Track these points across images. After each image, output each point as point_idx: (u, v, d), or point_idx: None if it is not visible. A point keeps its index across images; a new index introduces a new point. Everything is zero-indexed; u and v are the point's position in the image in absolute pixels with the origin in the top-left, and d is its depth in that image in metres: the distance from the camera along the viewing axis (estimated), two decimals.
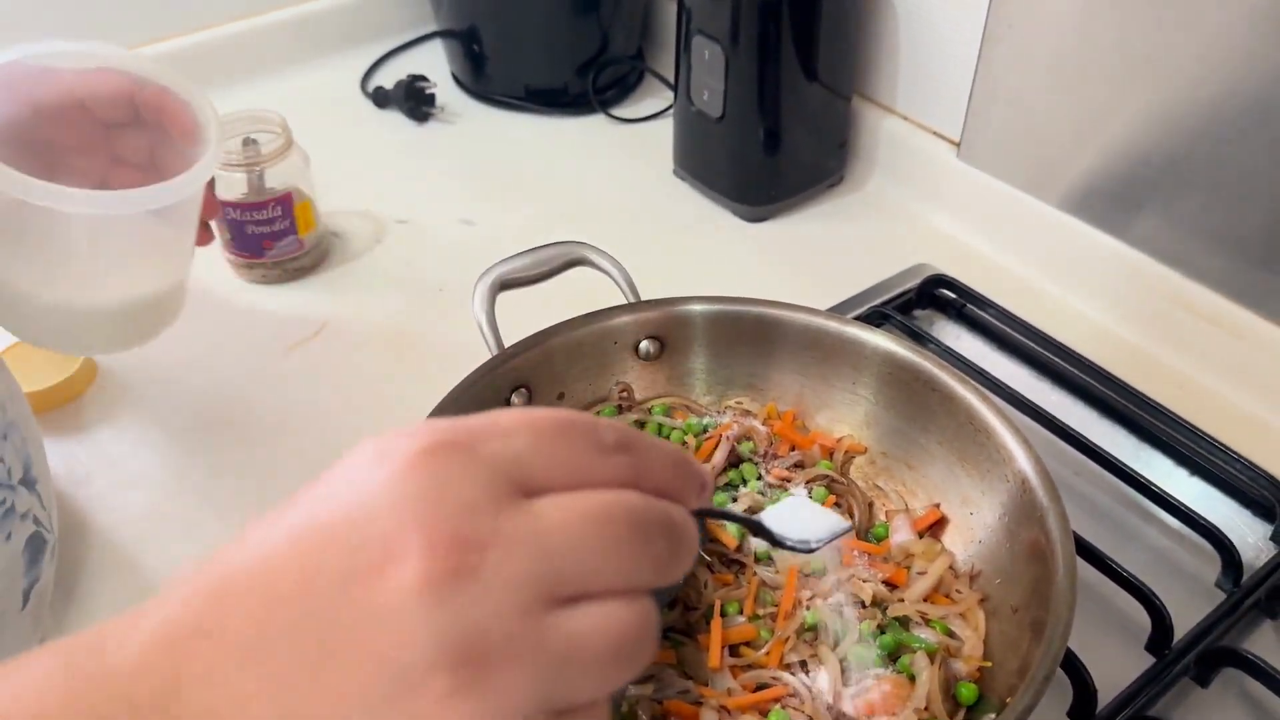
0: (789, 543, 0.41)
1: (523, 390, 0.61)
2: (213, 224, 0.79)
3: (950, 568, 0.55)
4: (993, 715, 0.45)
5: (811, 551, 0.41)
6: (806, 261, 0.91)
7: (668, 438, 0.63)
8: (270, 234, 0.84)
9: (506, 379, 0.60)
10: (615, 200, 0.99)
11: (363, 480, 0.27)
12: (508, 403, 0.60)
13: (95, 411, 0.75)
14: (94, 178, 0.61)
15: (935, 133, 0.94)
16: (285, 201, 0.83)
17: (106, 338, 0.64)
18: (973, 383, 0.57)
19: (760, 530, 0.41)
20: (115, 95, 0.60)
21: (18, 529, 0.54)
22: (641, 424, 0.63)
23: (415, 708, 0.24)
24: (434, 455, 0.27)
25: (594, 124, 1.10)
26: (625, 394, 0.64)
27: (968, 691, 0.49)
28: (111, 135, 0.62)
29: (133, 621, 0.27)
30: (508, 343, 0.61)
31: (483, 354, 0.61)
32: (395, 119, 1.10)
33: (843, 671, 0.50)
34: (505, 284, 0.62)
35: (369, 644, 0.25)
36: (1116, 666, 0.57)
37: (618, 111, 1.10)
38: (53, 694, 0.26)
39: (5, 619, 0.54)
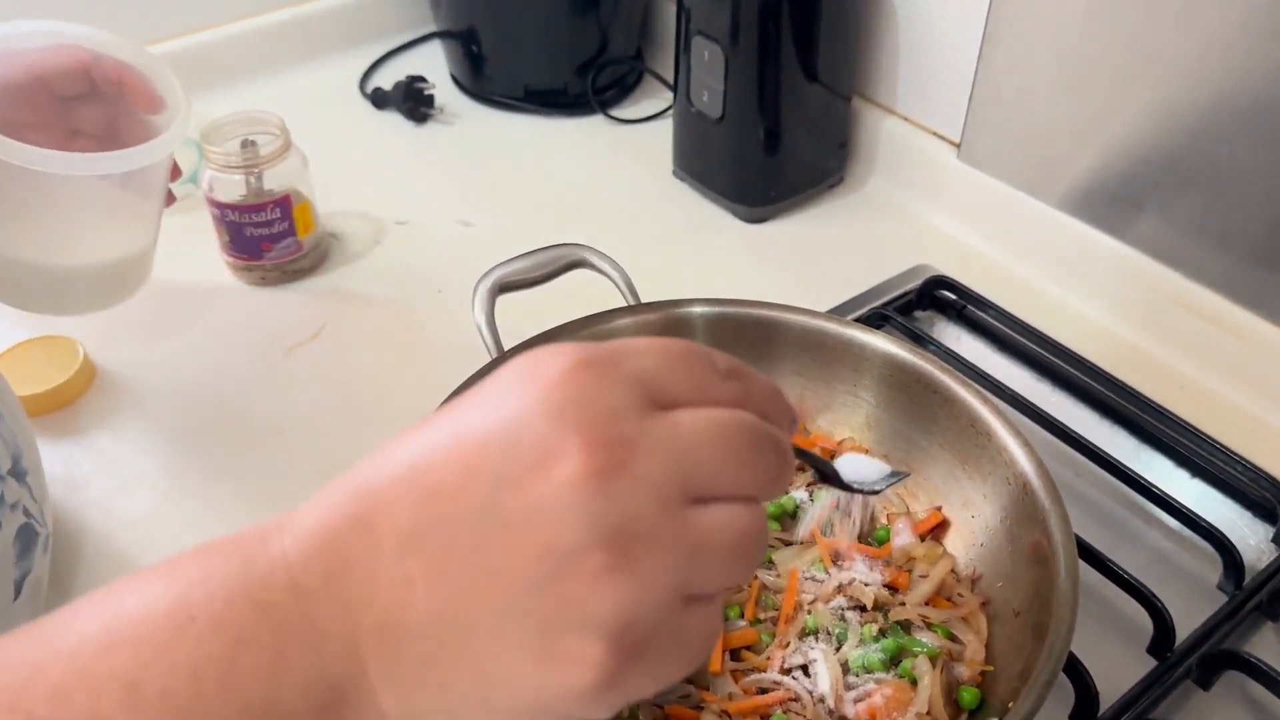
0: (856, 485, 0.46)
1: None
2: (211, 224, 0.85)
3: (951, 571, 0.55)
4: (995, 719, 0.45)
5: (876, 493, 0.47)
6: (806, 262, 0.91)
7: None
8: (269, 236, 0.84)
9: None
10: (614, 201, 0.98)
11: (515, 393, 0.29)
12: None
13: (94, 414, 0.75)
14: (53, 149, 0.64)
15: (935, 133, 0.93)
16: (284, 203, 0.83)
17: (75, 299, 0.69)
18: (974, 385, 0.57)
19: (830, 473, 0.45)
20: (72, 68, 0.63)
21: (8, 519, 0.55)
22: None
23: (571, 588, 0.27)
24: (582, 370, 0.29)
25: (593, 125, 1.09)
26: None
27: (969, 695, 0.49)
28: (68, 108, 0.64)
29: (288, 520, 0.30)
30: (507, 345, 0.61)
31: (482, 355, 0.61)
32: (394, 120, 1.10)
33: (844, 675, 0.50)
34: (505, 286, 0.62)
35: (529, 532, 0.27)
36: (1118, 669, 0.57)
37: (617, 112, 1.10)
38: (222, 582, 0.29)
39: None
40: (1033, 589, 0.49)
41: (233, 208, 0.82)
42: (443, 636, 0.28)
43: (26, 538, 0.56)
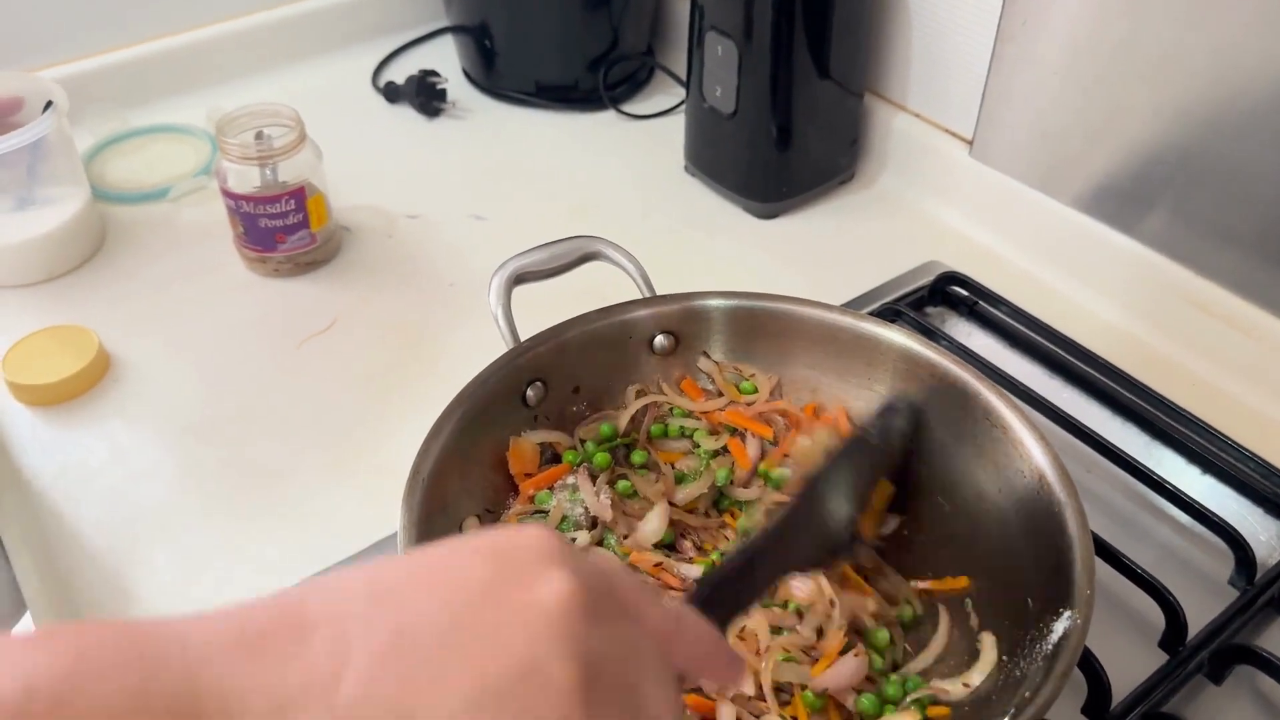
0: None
1: (538, 383, 0.61)
2: (225, 217, 0.86)
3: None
4: (1012, 712, 0.45)
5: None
6: (818, 258, 0.91)
7: (690, 436, 0.63)
8: (283, 228, 0.84)
9: (523, 372, 0.60)
10: (626, 197, 0.99)
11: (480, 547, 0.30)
12: (524, 395, 0.60)
13: (108, 403, 0.76)
14: None
15: (948, 130, 0.93)
16: (298, 195, 0.83)
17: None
18: (989, 380, 0.57)
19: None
20: None
21: None
22: (664, 425, 0.64)
23: (533, 701, 0.27)
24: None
25: (605, 120, 1.10)
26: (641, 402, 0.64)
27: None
28: None
29: (212, 621, 0.28)
30: (523, 335, 0.61)
31: (494, 349, 0.61)
32: (406, 114, 1.10)
33: None
34: (520, 277, 0.62)
35: (504, 636, 0.27)
36: (1130, 663, 0.57)
37: (628, 108, 1.10)
38: (128, 679, 0.25)
39: None
40: (1045, 579, 0.49)
41: (247, 199, 0.83)
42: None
43: None
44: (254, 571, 0.64)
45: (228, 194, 0.83)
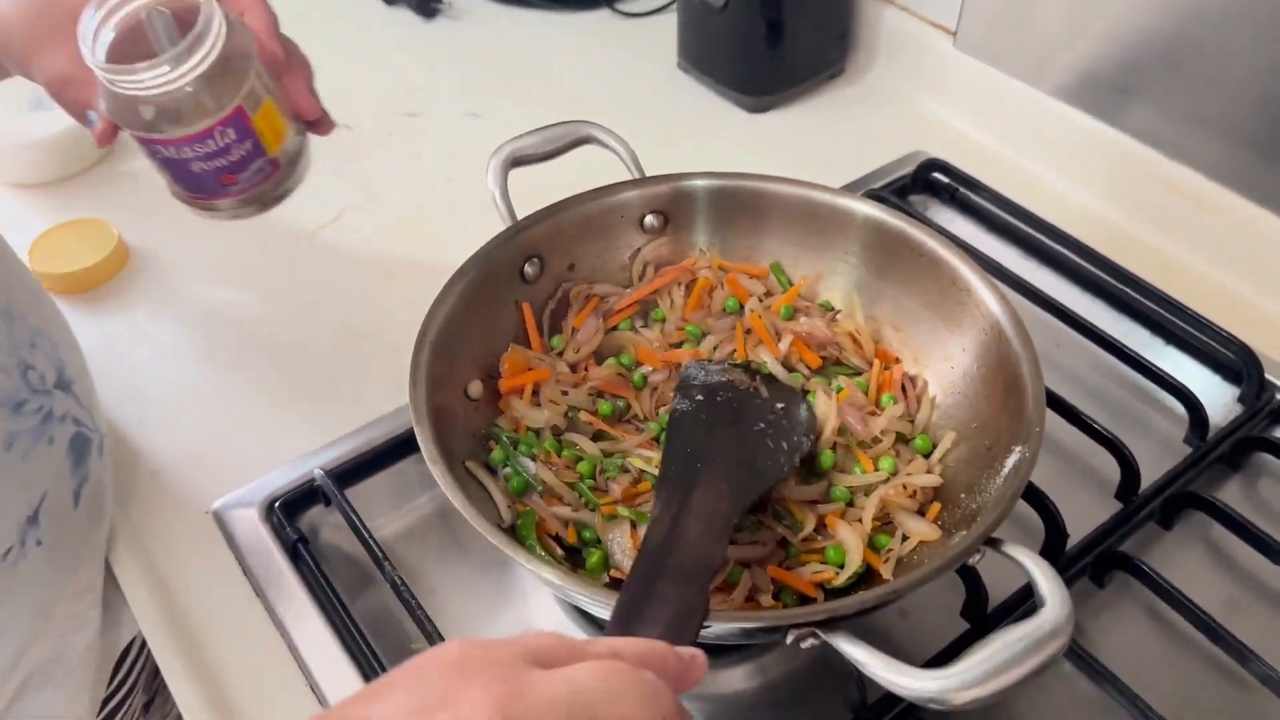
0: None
1: (535, 260, 0.64)
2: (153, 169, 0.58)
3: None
4: (964, 532, 0.49)
5: None
6: (807, 150, 0.94)
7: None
8: (227, 166, 0.55)
9: (520, 249, 0.63)
10: (621, 93, 1.01)
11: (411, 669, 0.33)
12: (521, 272, 0.64)
13: (130, 292, 0.80)
14: None
15: (933, 23, 0.95)
16: (238, 119, 0.53)
17: None
18: (956, 247, 0.60)
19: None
20: None
21: (59, 432, 0.57)
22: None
23: None
24: (471, 647, 0.33)
25: (599, 19, 1.11)
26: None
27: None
28: None
29: None
30: (520, 214, 0.64)
31: (494, 227, 0.64)
32: (404, 15, 1.12)
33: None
34: (517, 160, 0.65)
35: None
36: (1087, 512, 0.62)
37: (622, 6, 1.12)
38: None
39: (60, 520, 0.58)
40: (1006, 425, 0.54)
41: (164, 142, 0.54)
42: None
43: (80, 447, 0.59)
44: (273, 436, 0.68)
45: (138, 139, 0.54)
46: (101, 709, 0.68)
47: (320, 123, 0.60)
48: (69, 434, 0.58)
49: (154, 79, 0.49)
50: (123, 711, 0.71)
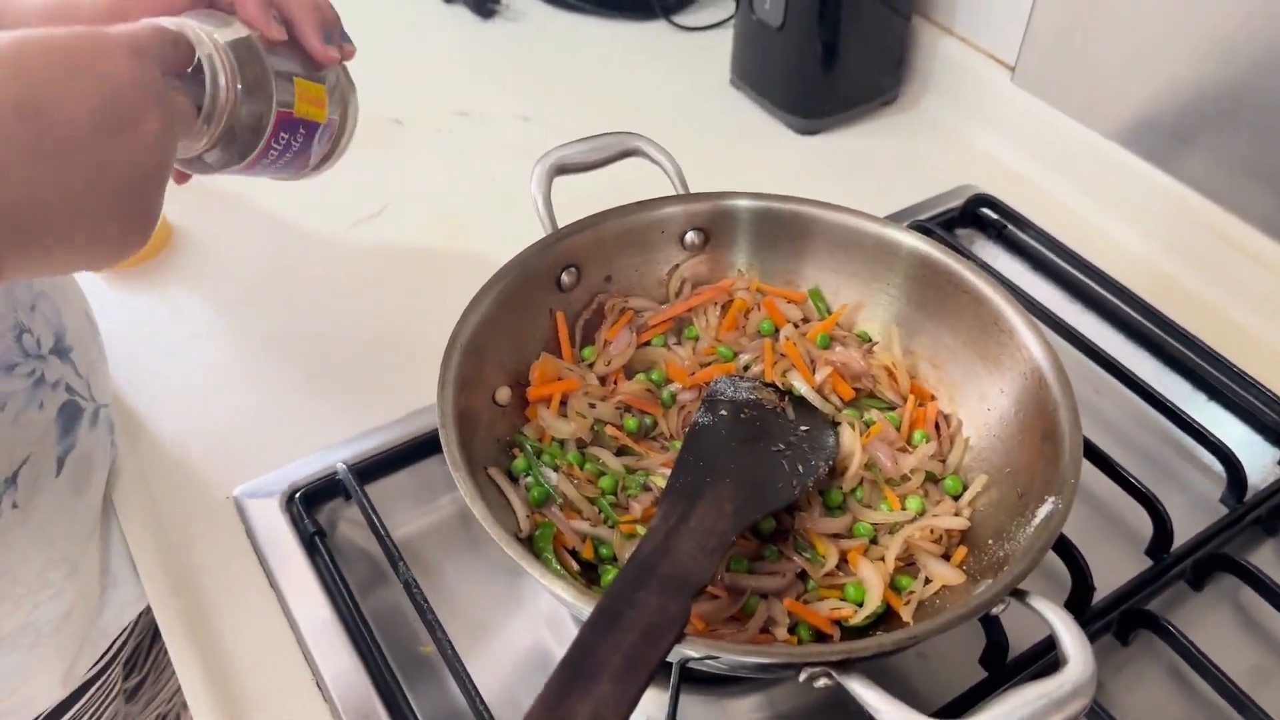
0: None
1: (572, 269, 0.64)
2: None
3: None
4: (990, 580, 0.48)
5: None
6: (855, 175, 0.93)
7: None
8: (298, 152, 0.54)
9: (559, 257, 0.63)
10: (672, 106, 1.01)
11: None
12: (558, 280, 0.64)
13: (170, 270, 0.80)
14: None
15: (991, 56, 0.94)
16: (289, 123, 0.52)
17: None
18: (1000, 286, 0.59)
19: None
20: None
21: (49, 399, 0.57)
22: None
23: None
24: None
25: (655, 30, 1.11)
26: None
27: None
28: None
29: None
30: (561, 223, 0.64)
31: (536, 233, 0.64)
32: (461, 14, 1.12)
33: None
34: (562, 168, 0.65)
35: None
36: (1116, 567, 0.60)
37: (680, 19, 1.12)
38: None
39: (39, 485, 0.57)
40: (1038, 474, 0.52)
41: (234, 172, 0.54)
42: None
43: (69, 415, 0.58)
44: (299, 426, 0.68)
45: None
46: (81, 686, 0.66)
47: (342, 54, 0.55)
48: (60, 401, 0.58)
49: (192, 150, 0.49)
50: (97, 685, 0.68)
